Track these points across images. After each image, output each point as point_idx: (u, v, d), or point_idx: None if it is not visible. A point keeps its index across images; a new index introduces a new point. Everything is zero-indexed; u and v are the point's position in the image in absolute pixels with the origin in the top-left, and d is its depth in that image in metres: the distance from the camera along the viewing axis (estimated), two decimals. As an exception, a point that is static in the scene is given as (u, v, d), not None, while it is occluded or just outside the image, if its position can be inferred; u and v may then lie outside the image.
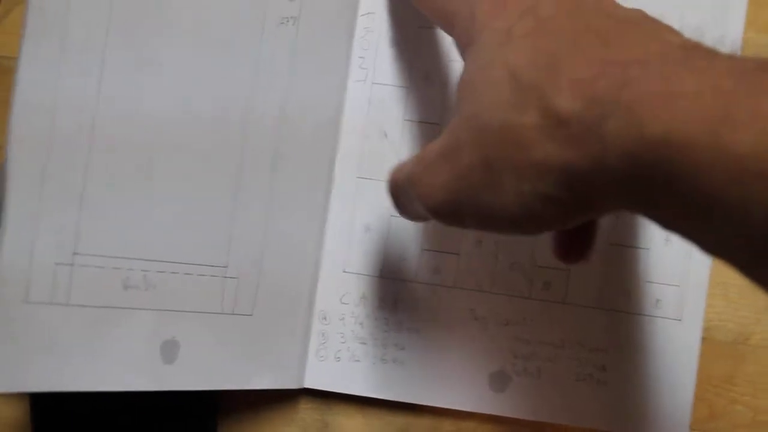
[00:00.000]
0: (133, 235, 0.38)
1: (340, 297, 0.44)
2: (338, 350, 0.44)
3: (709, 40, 0.30)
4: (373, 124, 0.44)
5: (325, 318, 0.44)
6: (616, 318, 0.44)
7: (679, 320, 0.43)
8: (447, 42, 0.44)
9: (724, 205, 0.23)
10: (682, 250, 0.44)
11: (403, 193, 0.34)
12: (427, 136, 0.44)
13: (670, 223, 0.26)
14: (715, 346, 0.44)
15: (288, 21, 0.41)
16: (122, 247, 0.38)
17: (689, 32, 0.27)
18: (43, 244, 0.36)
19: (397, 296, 0.44)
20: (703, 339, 0.44)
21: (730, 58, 0.25)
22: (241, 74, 0.40)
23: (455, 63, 0.44)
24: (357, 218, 0.44)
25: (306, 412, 0.45)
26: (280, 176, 0.42)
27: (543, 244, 0.44)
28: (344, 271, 0.44)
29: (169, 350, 0.39)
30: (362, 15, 0.44)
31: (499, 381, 0.44)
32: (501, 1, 0.31)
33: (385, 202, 0.43)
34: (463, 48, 0.33)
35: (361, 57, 0.44)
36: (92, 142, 0.36)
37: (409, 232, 0.44)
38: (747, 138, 0.22)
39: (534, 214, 0.28)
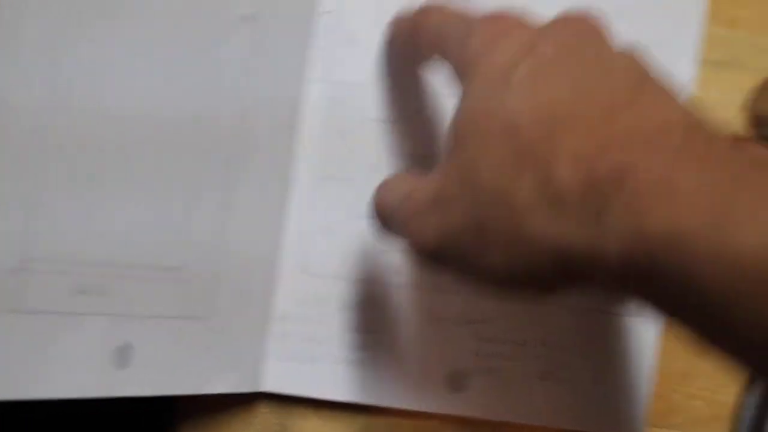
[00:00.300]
0: (85, 238, 0.37)
1: (299, 298, 0.43)
2: (297, 352, 0.43)
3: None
4: (334, 123, 0.44)
5: (283, 319, 0.43)
6: (578, 315, 0.43)
7: (640, 317, 0.43)
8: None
9: (724, 304, 0.23)
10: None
11: (389, 223, 0.34)
12: (388, 134, 0.43)
13: (665, 312, 0.26)
14: (675, 342, 0.44)
15: (246, 19, 0.40)
16: (75, 252, 0.37)
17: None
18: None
19: (357, 297, 0.44)
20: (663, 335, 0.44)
21: (727, 144, 0.25)
22: (197, 73, 0.39)
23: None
24: (317, 219, 0.44)
25: (264, 416, 0.44)
26: (236, 177, 0.41)
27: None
28: (303, 272, 0.44)
29: (123, 355, 0.38)
30: (321, 13, 0.43)
31: (458, 381, 0.44)
32: (498, 31, 0.31)
33: (346, 204, 0.43)
34: (457, 77, 0.32)
35: (320, 55, 0.43)
36: (42, 144, 0.35)
37: (369, 233, 0.43)
38: (747, 240, 0.22)
39: (522, 283, 0.28)
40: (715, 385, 0.45)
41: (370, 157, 0.43)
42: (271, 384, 0.43)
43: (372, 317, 0.44)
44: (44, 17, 0.35)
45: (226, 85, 0.40)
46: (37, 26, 0.35)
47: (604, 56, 0.29)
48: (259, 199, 0.42)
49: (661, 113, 0.27)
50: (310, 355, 0.43)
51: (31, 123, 0.35)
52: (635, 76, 0.28)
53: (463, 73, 0.32)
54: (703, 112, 0.27)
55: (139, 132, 0.38)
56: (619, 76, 0.28)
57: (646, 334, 0.44)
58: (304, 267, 0.43)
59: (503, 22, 0.31)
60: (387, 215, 0.34)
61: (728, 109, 0.44)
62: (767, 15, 0.44)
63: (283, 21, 0.42)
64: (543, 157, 0.26)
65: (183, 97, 0.39)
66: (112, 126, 0.37)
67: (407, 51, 0.40)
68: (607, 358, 0.44)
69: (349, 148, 0.43)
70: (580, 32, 0.30)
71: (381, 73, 0.44)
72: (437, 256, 0.31)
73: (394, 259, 0.44)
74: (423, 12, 0.37)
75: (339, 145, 0.43)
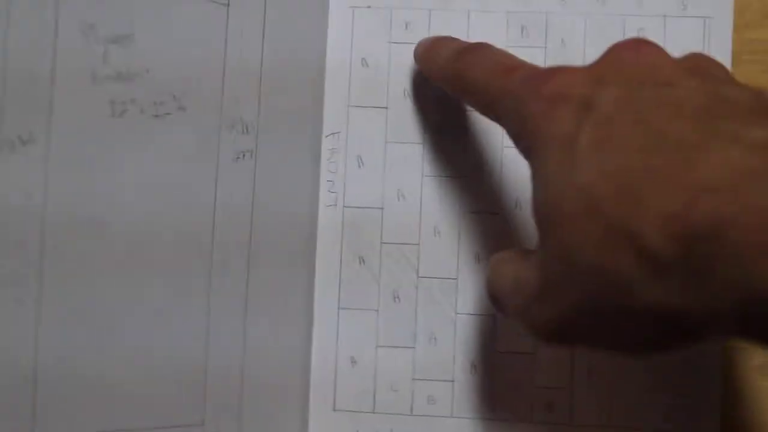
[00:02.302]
0: (96, 407, 0.35)
1: (331, 439, 0.41)
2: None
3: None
4: (349, 250, 0.42)
5: (317, 463, 0.41)
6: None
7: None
8: (418, 156, 0.42)
9: None
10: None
11: (505, 312, 0.33)
12: (406, 258, 0.41)
13: None
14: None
15: (244, 155, 0.39)
16: (86, 423, 0.35)
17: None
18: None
19: None
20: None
21: None
22: (199, 216, 0.38)
23: (429, 179, 0.42)
24: (341, 351, 0.41)
25: None
26: (254, 319, 0.39)
27: (541, 363, 0.41)
28: (334, 410, 0.41)
29: None
30: (327, 136, 0.42)
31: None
32: (550, 96, 0.29)
33: (370, 333, 0.41)
34: (522, 154, 0.31)
35: (329, 180, 0.42)
36: (38, 327, 0.34)
37: (397, 361, 0.41)
38: None
39: (647, 348, 0.28)
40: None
41: (391, 284, 0.41)
42: None
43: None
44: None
45: (230, 221, 0.39)
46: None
47: (666, 90, 0.27)
48: (282, 339, 0.41)
49: (736, 136, 0.24)
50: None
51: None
52: (701, 101, 0.26)
53: (525, 144, 0.30)
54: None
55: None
56: (686, 109, 0.26)
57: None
58: (334, 404, 0.41)
59: (553, 80, 0.29)
60: (501, 305, 0.33)
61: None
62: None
63: (285, 151, 0.41)
64: (631, 227, 0.25)
65: (186, 241, 0.37)
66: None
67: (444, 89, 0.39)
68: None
69: (370, 275, 0.41)
70: (635, 69, 0.28)
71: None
72: (561, 342, 0.30)
73: (427, 387, 0.41)
74: (463, 65, 0.35)
75: (357, 272, 0.41)
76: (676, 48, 0.38)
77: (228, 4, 0.39)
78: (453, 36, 0.40)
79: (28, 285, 0.34)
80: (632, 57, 0.29)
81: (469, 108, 0.42)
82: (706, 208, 0.23)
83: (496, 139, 0.42)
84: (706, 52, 0.38)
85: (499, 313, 0.34)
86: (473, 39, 0.40)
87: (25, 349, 0.34)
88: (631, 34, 0.42)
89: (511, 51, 0.39)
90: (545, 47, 0.42)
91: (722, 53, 0.41)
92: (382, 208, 0.42)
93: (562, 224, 0.27)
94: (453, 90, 0.37)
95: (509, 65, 0.33)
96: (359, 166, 0.42)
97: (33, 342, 0.34)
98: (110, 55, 0.36)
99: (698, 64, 0.29)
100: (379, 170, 0.42)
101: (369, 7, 0.43)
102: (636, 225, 0.25)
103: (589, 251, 0.26)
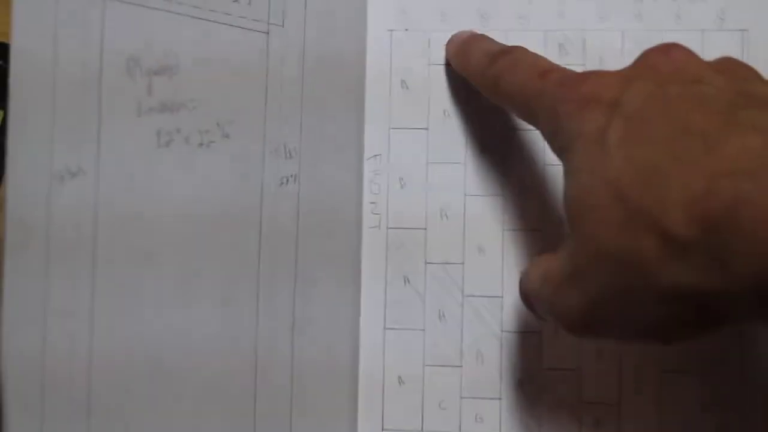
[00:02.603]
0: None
1: (382, 461, 0.42)
2: None
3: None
4: (394, 270, 0.42)
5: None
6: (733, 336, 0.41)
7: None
8: (459, 175, 0.42)
9: None
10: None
11: (537, 309, 0.34)
12: (451, 277, 0.42)
13: None
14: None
15: (288, 180, 0.40)
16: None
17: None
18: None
19: (442, 450, 0.41)
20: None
21: None
22: (245, 241, 0.38)
23: (471, 198, 0.42)
24: (388, 370, 0.42)
25: None
26: (301, 340, 0.40)
27: (588, 378, 0.41)
28: (383, 429, 0.42)
29: None
30: (368, 158, 0.42)
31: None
32: (583, 97, 0.30)
33: (417, 352, 0.41)
34: (557, 154, 0.32)
35: (372, 202, 0.42)
36: (92, 359, 0.35)
37: (444, 379, 0.41)
38: None
39: (679, 335, 0.28)
40: None
41: (436, 303, 0.41)
42: None
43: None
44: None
45: (276, 249, 0.39)
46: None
47: (692, 86, 0.28)
48: (331, 354, 0.41)
49: (757, 123, 0.26)
50: None
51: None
52: (725, 95, 0.27)
53: (559, 144, 0.31)
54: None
55: (185, 356, 0.37)
56: (710, 101, 0.27)
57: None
58: (383, 423, 0.42)
59: (586, 83, 0.31)
60: (532, 301, 0.34)
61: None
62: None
63: (328, 174, 0.41)
64: (654, 211, 0.26)
65: (233, 261, 0.38)
66: (158, 357, 0.36)
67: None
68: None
69: (414, 294, 0.41)
70: (665, 69, 0.29)
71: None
72: (589, 330, 0.30)
73: (474, 405, 0.41)
74: (498, 70, 0.36)
75: (402, 291, 0.41)
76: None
77: (268, 33, 0.40)
78: (483, 36, 0.41)
79: (82, 312, 0.35)
80: (662, 58, 0.30)
81: (509, 127, 0.42)
82: (725, 191, 0.24)
83: (538, 157, 0.42)
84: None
85: (533, 312, 0.35)
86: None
87: (78, 378, 0.35)
88: (669, 48, 0.42)
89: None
90: (584, 65, 0.42)
91: (760, 66, 0.41)
92: (425, 228, 0.42)
93: (590, 213, 0.28)
94: (488, 93, 0.38)
95: (544, 68, 0.34)
96: (401, 187, 0.42)
97: (86, 370, 0.35)
98: (154, 87, 0.37)
99: (727, 65, 0.30)
100: (421, 190, 0.42)
101: (407, 30, 0.43)
102: (658, 209, 0.26)
103: (613, 235, 0.27)
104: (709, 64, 0.30)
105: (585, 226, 0.29)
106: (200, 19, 0.38)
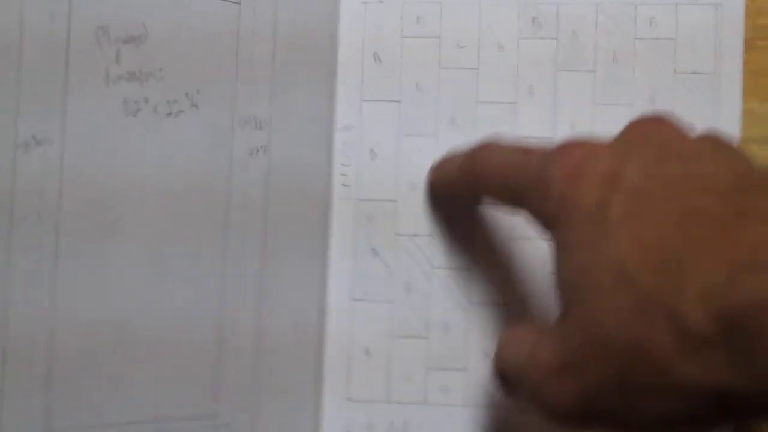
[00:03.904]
0: (110, 399, 0.37)
1: (346, 428, 0.42)
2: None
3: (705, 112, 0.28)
4: (362, 242, 0.42)
5: (333, 452, 0.42)
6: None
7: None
8: (429, 149, 0.42)
9: None
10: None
11: (514, 387, 0.31)
12: (419, 249, 0.42)
13: None
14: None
15: (257, 151, 0.40)
16: (100, 414, 0.36)
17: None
18: (12, 425, 0.34)
19: (407, 421, 0.42)
20: None
21: None
22: (213, 212, 0.39)
23: (440, 170, 0.42)
24: (355, 342, 0.42)
25: None
26: (268, 312, 0.40)
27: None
28: (348, 399, 0.42)
29: None
30: (339, 130, 0.42)
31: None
32: (573, 163, 0.29)
33: (383, 323, 0.41)
34: (546, 226, 0.30)
35: (342, 174, 0.42)
36: (54, 325, 0.36)
37: (411, 351, 0.41)
38: None
39: (676, 428, 0.26)
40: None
41: (404, 275, 0.41)
42: None
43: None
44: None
45: (244, 220, 0.39)
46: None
47: (692, 165, 0.27)
48: (297, 325, 0.41)
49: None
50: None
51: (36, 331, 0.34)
52: (728, 177, 0.26)
53: (549, 214, 0.30)
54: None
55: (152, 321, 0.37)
56: (715, 183, 0.26)
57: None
58: (348, 394, 0.42)
59: (575, 149, 0.29)
60: (511, 379, 0.31)
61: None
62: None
63: (298, 145, 0.41)
64: (668, 302, 0.25)
65: (200, 232, 0.38)
66: (125, 320, 0.36)
67: (460, 195, 0.40)
68: None
69: (383, 266, 0.41)
70: (658, 143, 0.28)
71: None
72: (580, 420, 0.28)
73: (441, 377, 0.41)
74: (475, 160, 0.35)
75: (370, 264, 0.41)
76: (689, 36, 0.38)
77: (240, 3, 0.40)
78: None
79: (44, 279, 0.35)
80: (653, 131, 0.29)
81: (481, 101, 0.42)
82: (748, 286, 0.23)
83: (511, 130, 0.42)
84: (717, 39, 0.38)
85: (508, 394, 0.33)
86: (485, 32, 0.41)
87: (40, 343, 0.35)
88: (642, 23, 0.42)
89: (524, 42, 0.39)
90: (557, 38, 0.42)
91: (734, 40, 0.41)
92: (395, 201, 0.42)
93: (592, 296, 0.27)
94: (471, 188, 0.36)
95: (524, 147, 0.33)
96: (372, 159, 0.42)
97: (48, 335, 0.35)
98: (123, 55, 0.37)
99: (718, 142, 0.29)
100: (392, 163, 0.42)
101: (381, 1, 0.43)
102: (674, 299, 0.24)
103: (621, 322, 0.26)
104: (701, 140, 0.29)
105: (586, 309, 0.27)
106: (171, -13, 0.38)
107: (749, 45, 0.41)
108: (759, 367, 0.23)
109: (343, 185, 0.42)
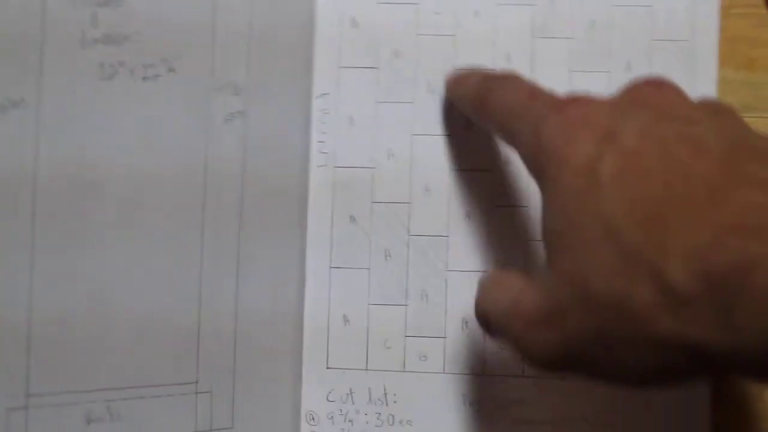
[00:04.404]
0: (89, 365, 0.36)
1: (326, 394, 0.42)
2: (330, 452, 0.41)
3: (681, 80, 0.29)
4: (340, 209, 0.42)
5: (312, 419, 0.42)
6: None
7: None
8: (407, 115, 0.42)
9: None
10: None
11: (496, 332, 0.32)
12: (397, 217, 0.42)
13: None
14: (729, 402, 0.41)
15: (234, 116, 0.39)
16: (80, 380, 0.36)
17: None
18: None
19: (386, 388, 0.42)
20: (714, 391, 0.41)
21: None
22: (190, 177, 0.38)
23: (419, 137, 0.42)
24: (333, 310, 0.42)
25: None
26: (246, 279, 0.39)
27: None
28: (328, 367, 0.42)
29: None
30: (317, 97, 0.42)
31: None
32: (570, 120, 0.29)
33: (362, 291, 0.41)
34: (535, 177, 0.30)
35: (320, 141, 0.42)
36: (32, 290, 0.35)
37: (389, 319, 0.41)
38: None
39: (657, 381, 0.27)
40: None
41: (382, 242, 0.41)
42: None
43: (404, 407, 0.42)
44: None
45: (221, 185, 0.39)
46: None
47: (689, 127, 0.27)
48: (273, 296, 0.41)
49: (765, 188, 0.24)
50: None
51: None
52: (724, 142, 0.26)
53: (539, 165, 0.30)
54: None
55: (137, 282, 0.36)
56: (710, 147, 0.26)
57: (698, 389, 0.41)
58: (328, 362, 0.42)
59: (575, 106, 0.30)
60: (493, 324, 0.32)
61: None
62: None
63: (276, 111, 0.40)
64: (653, 259, 0.25)
65: (177, 197, 0.38)
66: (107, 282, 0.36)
67: (468, 116, 0.40)
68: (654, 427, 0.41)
69: (361, 234, 0.41)
70: (658, 105, 0.28)
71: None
72: (560, 368, 0.29)
73: (419, 344, 0.41)
74: (489, 89, 0.35)
75: (347, 231, 0.41)
76: (665, 4, 0.39)
77: (217, -33, 0.39)
78: (482, 68, 0.40)
79: (21, 246, 0.35)
80: (654, 93, 0.29)
81: (458, 67, 0.42)
82: (732, 249, 0.23)
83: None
84: (693, 6, 0.39)
85: (489, 335, 0.33)
86: (461, -2, 0.40)
87: (18, 310, 0.34)
88: (619, -11, 0.42)
89: (501, 8, 0.39)
90: (534, 5, 0.42)
91: (710, 7, 0.41)
92: (372, 168, 0.42)
93: (577, 248, 0.27)
94: (477, 112, 0.37)
95: (534, 91, 0.33)
96: (350, 126, 0.42)
97: (26, 302, 0.35)
98: (99, 18, 0.36)
99: (717, 108, 0.29)
100: (369, 130, 0.42)
101: (357, -33, 0.43)
102: (658, 257, 0.25)
103: (605, 276, 0.26)
104: (701, 105, 0.29)
105: (570, 261, 0.27)
106: (146, -50, 0.38)
107: (726, 12, 0.42)
108: (739, 325, 0.23)
109: (321, 152, 0.42)
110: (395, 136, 0.42)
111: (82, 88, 0.36)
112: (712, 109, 0.29)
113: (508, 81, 0.35)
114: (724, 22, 0.41)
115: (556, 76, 0.42)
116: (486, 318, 0.33)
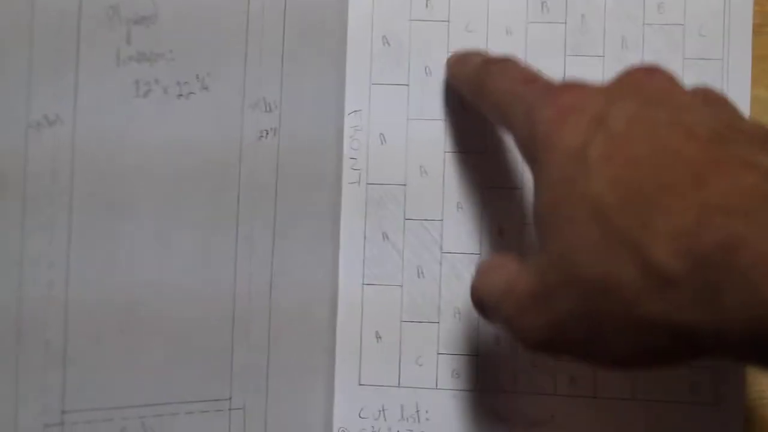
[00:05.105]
0: (123, 382, 0.36)
1: (358, 411, 0.42)
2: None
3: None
4: (373, 226, 0.42)
5: (344, 434, 0.41)
6: (651, 408, 0.41)
7: (717, 405, 0.40)
8: (439, 132, 0.42)
9: None
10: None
11: (491, 316, 0.33)
12: (429, 235, 0.42)
13: None
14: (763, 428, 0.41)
15: (267, 133, 0.39)
16: (114, 397, 0.36)
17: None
18: (27, 406, 0.34)
19: (418, 405, 0.42)
20: (747, 421, 0.40)
21: None
22: (223, 194, 0.38)
23: (450, 155, 0.42)
24: (365, 326, 0.42)
25: None
26: (279, 296, 0.40)
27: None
28: (360, 384, 0.42)
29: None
30: (349, 114, 0.42)
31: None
32: (563, 107, 0.29)
33: (394, 308, 0.41)
34: (527, 161, 0.31)
35: (352, 158, 0.42)
36: (68, 306, 0.35)
37: (421, 336, 0.41)
38: None
39: (644, 362, 0.27)
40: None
41: (414, 260, 0.41)
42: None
43: (436, 425, 0.42)
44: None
45: (255, 205, 0.39)
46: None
47: (679, 113, 0.27)
48: (308, 310, 0.41)
49: (748, 159, 0.25)
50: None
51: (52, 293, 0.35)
52: (714, 127, 0.26)
53: (531, 151, 0.30)
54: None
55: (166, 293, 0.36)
56: (699, 132, 0.26)
57: (729, 421, 0.41)
58: (360, 378, 0.42)
59: (568, 93, 0.30)
60: (488, 308, 0.33)
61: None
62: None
63: (308, 128, 0.41)
64: (638, 239, 0.25)
65: (210, 216, 0.38)
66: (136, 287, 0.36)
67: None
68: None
69: (393, 251, 0.41)
70: (649, 91, 0.29)
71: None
72: (549, 349, 0.29)
73: (452, 361, 0.41)
74: (487, 73, 0.35)
75: (380, 248, 0.41)
76: (698, 20, 0.39)
77: (250, -16, 0.40)
78: (481, 51, 0.41)
79: (57, 261, 0.35)
80: (647, 79, 0.29)
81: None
82: (717, 228, 0.24)
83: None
84: (726, 25, 0.39)
85: (485, 319, 0.34)
86: (493, 16, 0.41)
87: (53, 327, 0.35)
88: (651, 8, 0.42)
89: (532, 27, 0.39)
90: (565, 23, 0.42)
91: (742, 26, 0.41)
92: (404, 185, 0.42)
93: (565, 230, 0.27)
94: (474, 96, 0.37)
95: (530, 76, 0.33)
96: (382, 143, 0.42)
97: (62, 319, 0.35)
98: (133, 36, 0.37)
99: (710, 95, 0.29)
100: (401, 147, 0.42)
101: (389, -16, 0.43)
102: (643, 237, 0.25)
103: (591, 258, 0.26)
104: (694, 92, 0.29)
105: (559, 243, 0.28)
106: (181, -31, 0.38)
107: (757, 31, 0.41)
108: (724, 305, 0.23)
109: (353, 169, 0.42)
110: (427, 153, 0.42)
111: (117, 106, 0.37)
112: (703, 96, 0.29)
113: (506, 66, 0.35)
114: (756, 40, 0.41)
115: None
116: (481, 302, 0.33)
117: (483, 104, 0.36)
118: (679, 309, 0.24)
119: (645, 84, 0.29)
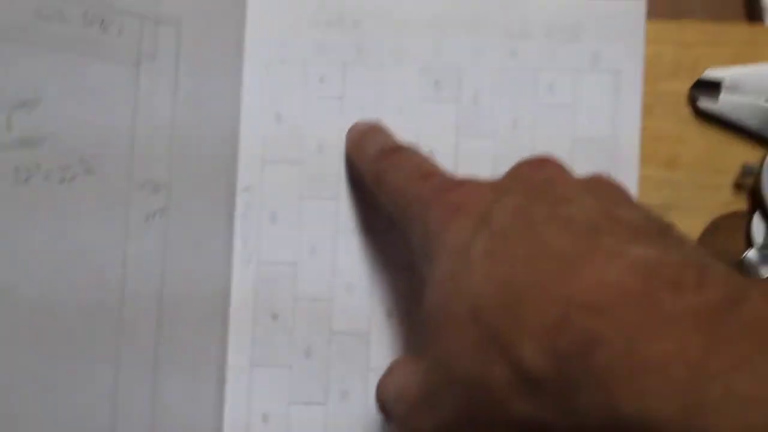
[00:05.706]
0: None
1: None
2: None
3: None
4: (263, 306, 0.42)
5: None
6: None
7: None
8: (332, 212, 0.42)
9: None
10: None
11: (390, 418, 0.32)
12: (319, 314, 0.41)
13: None
14: None
15: (155, 215, 0.39)
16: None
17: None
18: None
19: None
20: None
21: (698, 288, 0.23)
22: (108, 280, 0.38)
23: (342, 234, 0.42)
24: (254, 409, 0.42)
25: None
26: (165, 380, 0.39)
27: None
28: (247, 467, 0.41)
29: None
30: (241, 191, 0.42)
31: None
32: (452, 206, 0.29)
33: (282, 389, 0.41)
34: (423, 261, 0.31)
35: (244, 236, 0.42)
36: None
37: (309, 418, 0.41)
38: (722, 424, 0.20)
39: None
40: None
41: (305, 340, 0.41)
42: None
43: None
44: None
45: (141, 286, 0.38)
46: None
47: (559, 205, 0.27)
48: (191, 395, 0.40)
49: (620, 252, 0.24)
50: None
51: None
52: (591, 218, 0.26)
53: (425, 249, 0.30)
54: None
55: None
56: (575, 224, 0.26)
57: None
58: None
59: (458, 190, 0.30)
60: (386, 411, 0.33)
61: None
62: (706, 152, 0.42)
63: (198, 207, 0.40)
64: (508, 338, 0.25)
65: (93, 301, 0.38)
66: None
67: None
68: None
69: (281, 331, 0.41)
70: (535, 184, 0.29)
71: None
72: None
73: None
74: (383, 168, 0.36)
75: (270, 328, 0.41)
76: (587, 103, 0.39)
77: (138, 64, 0.39)
78: (381, 130, 0.41)
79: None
80: (534, 173, 0.30)
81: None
82: (577, 326, 0.23)
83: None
84: (615, 105, 0.39)
85: (385, 420, 0.34)
86: (388, 94, 0.40)
87: None
88: (543, 88, 0.42)
89: (425, 105, 0.39)
90: (458, 102, 0.42)
91: (632, 106, 0.41)
92: (295, 264, 0.42)
93: (445, 329, 0.27)
94: (372, 186, 0.37)
95: (426, 171, 0.34)
96: (273, 222, 0.42)
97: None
98: (14, 121, 0.36)
99: (598, 185, 0.29)
100: (293, 226, 0.42)
101: (284, 62, 0.43)
102: (512, 337, 0.25)
103: (467, 358, 0.26)
104: (580, 182, 0.29)
105: (440, 343, 0.28)
106: (66, 50, 0.37)
107: (649, 111, 0.42)
108: (580, 407, 0.23)
109: (244, 248, 0.42)
110: (319, 232, 0.42)
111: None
112: (588, 184, 0.29)
113: (402, 159, 0.35)
114: (646, 120, 0.41)
115: (480, 176, 0.41)
116: (381, 401, 0.33)
117: (380, 197, 0.36)
118: (543, 409, 0.24)
119: (532, 177, 0.30)
